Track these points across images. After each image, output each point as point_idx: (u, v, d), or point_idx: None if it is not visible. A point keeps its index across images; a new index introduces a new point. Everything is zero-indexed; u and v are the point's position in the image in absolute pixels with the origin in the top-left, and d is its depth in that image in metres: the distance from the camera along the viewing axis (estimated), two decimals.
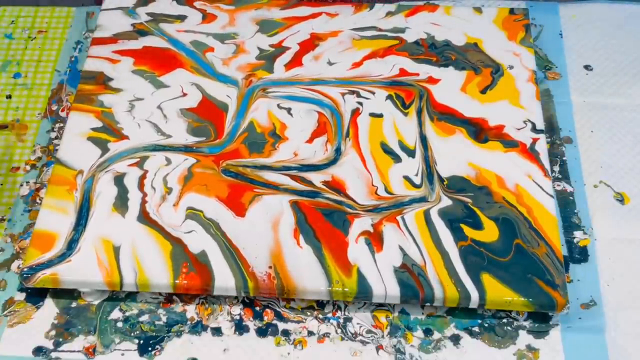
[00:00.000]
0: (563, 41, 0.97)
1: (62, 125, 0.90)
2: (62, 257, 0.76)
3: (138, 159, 0.83)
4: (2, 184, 0.86)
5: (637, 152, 0.88)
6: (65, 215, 0.79)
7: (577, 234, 0.82)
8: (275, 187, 0.81)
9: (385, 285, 0.74)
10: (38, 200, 0.85)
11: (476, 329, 0.76)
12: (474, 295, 0.73)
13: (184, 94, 0.89)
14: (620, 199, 0.84)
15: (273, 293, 0.75)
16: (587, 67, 0.95)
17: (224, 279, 0.74)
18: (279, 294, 0.75)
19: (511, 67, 0.90)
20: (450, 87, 0.88)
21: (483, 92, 0.88)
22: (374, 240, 0.77)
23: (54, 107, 0.92)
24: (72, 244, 0.77)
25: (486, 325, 0.76)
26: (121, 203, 0.80)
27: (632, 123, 0.90)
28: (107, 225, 0.78)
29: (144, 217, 0.78)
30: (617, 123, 0.90)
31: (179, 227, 0.78)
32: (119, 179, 0.81)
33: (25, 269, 0.75)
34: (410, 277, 0.74)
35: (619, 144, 0.88)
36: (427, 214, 0.78)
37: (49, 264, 0.75)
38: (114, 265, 0.75)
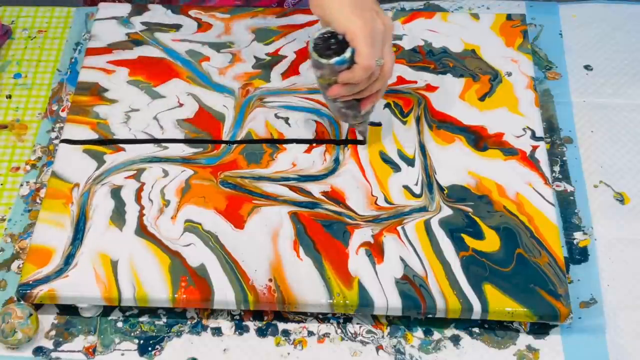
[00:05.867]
0: (563, 41, 0.97)
1: (62, 125, 0.89)
2: (60, 272, 0.75)
3: (135, 171, 0.82)
4: (2, 184, 0.86)
5: (637, 152, 0.87)
6: (61, 230, 0.78)
7: (577, 234, 0.81)
8: (273, 199, 0.80)
9: (386, 297, 0.73)
10: (38, 200, 0.84)
11: (476, 329, 0.75)
12: (476, 306, 0.73)
13: (180, 104, 0.88)
14: (620, 199, 0.84)
15: (273, 306, 0.74)
16: (587, 67, 0.95)
17: (224, 293, 0.74)
18: (279, 307, 0.74)
19: (509, 74, 0.89)
20: (448, 94, 0.88)
21: (482, 99, 0.87)
22: (375, 251, 0.76)
23: (54, 107, 0.91)
24: (69, 259, 0.76)
25: (486, 325, 0.75)
26: (118, 216, 0.79)
27: (632, 123, 0.90)
28: (105, 239, 0.77)
29: (142, 231, 0.78)
30: (617, 123, 0.90)
31: (177, 240, 0.77)
32: (115, 192, 0.80)
33: (22, 286, 0.74)
34: (412, 288, 0.74)
35: (619, 144, 0.88)
36: (427, 224, 0.78)
37: (46, 279, 0.75)
38: (112, 280, 0.75)
